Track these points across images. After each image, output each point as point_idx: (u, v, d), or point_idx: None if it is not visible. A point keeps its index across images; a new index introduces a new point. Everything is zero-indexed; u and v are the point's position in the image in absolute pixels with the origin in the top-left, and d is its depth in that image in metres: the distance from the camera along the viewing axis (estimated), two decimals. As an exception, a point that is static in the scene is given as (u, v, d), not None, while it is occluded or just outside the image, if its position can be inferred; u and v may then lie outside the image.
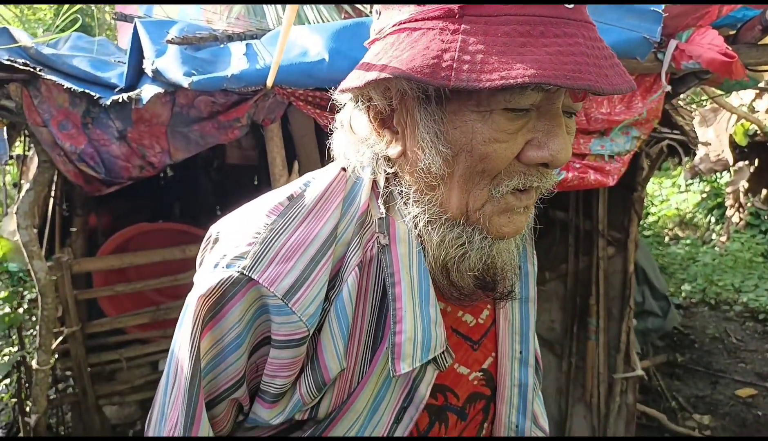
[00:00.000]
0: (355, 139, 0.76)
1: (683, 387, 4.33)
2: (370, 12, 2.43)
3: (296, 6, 0.75)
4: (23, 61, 1.84)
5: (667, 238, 8.48)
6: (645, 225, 8.48)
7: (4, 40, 1.88)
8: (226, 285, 0.67)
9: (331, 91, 0.77)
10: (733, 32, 2.04)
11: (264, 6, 5.02)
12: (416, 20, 0.63)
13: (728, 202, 6.18)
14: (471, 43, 0.59)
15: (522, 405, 0.90)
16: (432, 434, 0.80)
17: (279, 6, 4.73)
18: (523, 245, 0.91)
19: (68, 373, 3.22)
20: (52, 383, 3.45)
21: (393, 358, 0.69)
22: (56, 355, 2.99)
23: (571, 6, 0.61)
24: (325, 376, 0.70)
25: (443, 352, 0.74)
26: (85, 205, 3.12)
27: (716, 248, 7.41)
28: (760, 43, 1.97)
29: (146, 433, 0.77)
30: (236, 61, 1.67)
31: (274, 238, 0.68)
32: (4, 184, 3.31)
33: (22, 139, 2.86)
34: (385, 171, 0.74)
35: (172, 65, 1.63)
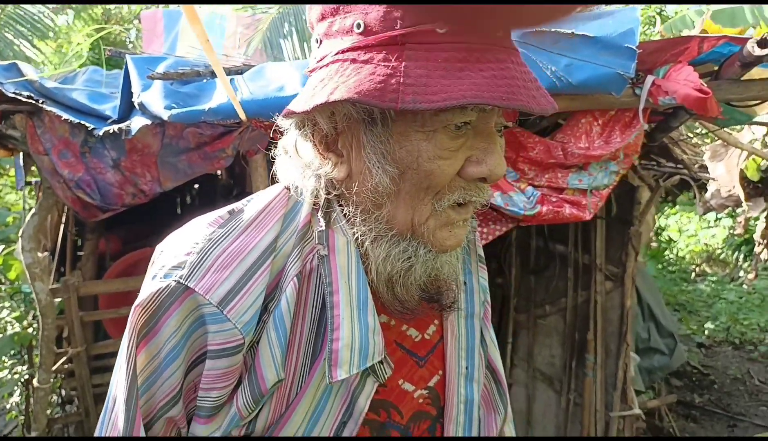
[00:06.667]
0: (300, 163, 0.78)
1: (699, 429, 4.17)
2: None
3: (191, 6, 0.79)
4: (27, 93, 1.97)
5: (693, 275, 8.25)
6: (671, 260, 8.28)
7: (13, 75, 2.02)
8: (163, 295, 0.69)
9: (276, 116, 0.79)
10: (716, 68, 2.04)
11: (281, 40, 5.20)
12: (359, 48, 0.67)
13: (756, 239, 6.00)
14: (414, 68, 0.63)
15: (468, 422, 0.89)
16: None
17: (296, 39, 4.90)
18: (468, 262, 0.93)
19: (73, 392, 3.31)
20: (60, 403, 3.55)
21: (330, 365, 0.71)
22: (62, 376, 3.09)
23: (501, 34, 0.66)
24: (262, 387, 0.71)
25: (382, 363, 0.76)
26: (94, 230, 3.25)
27: (744, 286, 7.17)
28: (743, 79, 1.97)
29: None
30: (217, 95, 1.76)
31: (212, 248, 0.71)
32: (24, 208, 3.48)
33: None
34: (328, 192, 0.76)
35: (155, 99, 1.73)
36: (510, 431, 1.08)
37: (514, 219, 1.99)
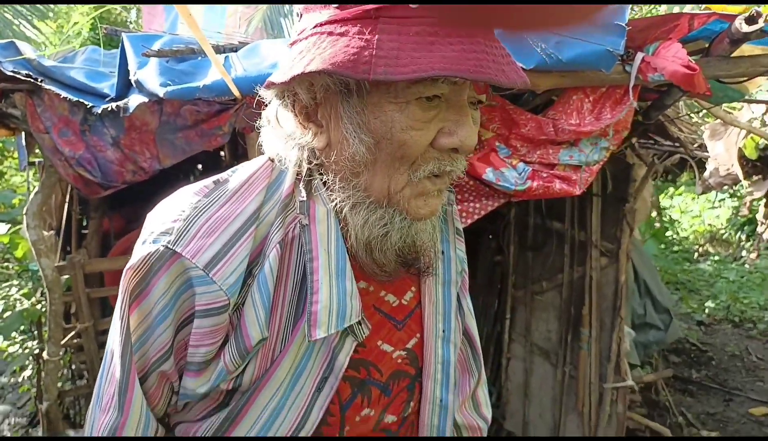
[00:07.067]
0: (282, 133, 0.82)
1: (695, 403, 4.23)
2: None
3: (185, 6, 0.83)
4: (26, 72, 2.01)
5: (696, 255, 8.27)
6: (674, 240, 8.29)
7: (11, 53, 2.06)
8: (152, 258, 0.73)
9: (258, 88, 0.82)
10: (707, 45, 2.05)
11: (281, 19, 5.19)
12: (335, 21, 0.70)
13: (759, 219, 6.00)
14: (386, 41, 0.66)
15: (445, 380, 0.95)
16: (354, 406, 0.84)
17: (296, 18, 4.91)
18: (446, 232, 0.98)
19: (83, 365, 3.40)
20: (71, 377, 3.65)
21: (309, 325, 0.75)
22: (72, 350, 3.18)
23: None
24: (247, 344, 0.76)
25: (360, 325, 0.80)
26: (98, 209, 3.31)
27: (746, 266, 7.18)
28: (732, 56, 1.98)
29: (88, 413, 0.83)
30: (212, 73, 1.79)
31: (198, 216, 0.75)
32: (29, 189, 3.54)
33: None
34: (309, 161, 0.80)
35: (151, 76, 1.76)
36: (483, 394, 1.14)
37: (506, 194, 2.03)
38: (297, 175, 0.81)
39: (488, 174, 1.96)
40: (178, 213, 0.76)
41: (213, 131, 2.02)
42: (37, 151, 3.22)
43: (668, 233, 7.81)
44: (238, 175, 0.82)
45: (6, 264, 3.87)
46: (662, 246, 7.02)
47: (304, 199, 0.79)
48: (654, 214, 6.54)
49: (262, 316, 0.76)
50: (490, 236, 3.86)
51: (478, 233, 3.87)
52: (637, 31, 1.91)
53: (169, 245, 0.73)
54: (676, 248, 8.06)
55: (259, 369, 0.79)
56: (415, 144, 0.72)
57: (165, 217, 0.77)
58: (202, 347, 0.76)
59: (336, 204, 0.79)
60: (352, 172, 0.77)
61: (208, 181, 0.81)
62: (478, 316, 1.82)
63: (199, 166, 4.82)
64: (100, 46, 2.68)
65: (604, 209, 2.95)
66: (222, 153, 4.17)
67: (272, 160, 0.83)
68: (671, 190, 8.49)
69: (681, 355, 5.02)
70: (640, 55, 1.90)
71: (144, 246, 0.75)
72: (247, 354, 0.76)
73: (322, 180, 0.80)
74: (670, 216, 8.57)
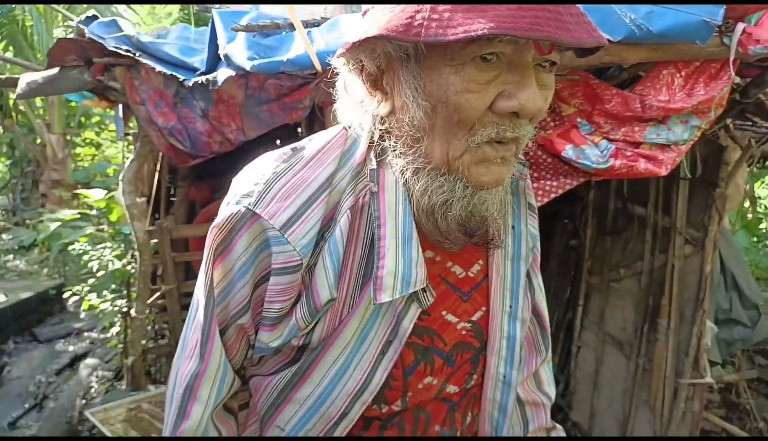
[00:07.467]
0: (353, 101, 0.84)
1: (779, 409, 3.96)
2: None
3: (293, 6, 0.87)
4: (126, 48, 2.15)
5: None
6: (768, 234, 7.70)
7: (113, 30, 2.21)
8: (235, 218, 0.78)
9: (329, 58, 0.86)
10: (820, 15, 1.88)
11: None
12: None
13: None
14: (440, 4, 0.68)
15: (510, 357, 0.95)
16: (416, 372, 0.87)
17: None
18: (518, 206, 0.97)
19: (165, 325, 3.65)
20: (154, 337, 3.92)
21: (375, 289, 0.78)
22: (156, 310, 3.42)
23: None
24: (317, 303, 0.79)
25: (425, 291, 0.82)
26: (186, 178, 3.51)
27: None
28: None
29: (174, 362, 0.90)
30: (295, 47, 1.85)
31: (276, 180, 0.79)
32: (123, 159, 3.79)
33: (136, 117, 3.27)
34: (378, 129, 0.83)
35: (238, 50, 1.84)
36: (546, 372, 1.12)
37: (586, 173, 1.97)
38: (369, 143, 0.83)
39: (568, 151, 1.90)
40: (259, 177, 0.81)
41: (294, 104, 2.09)
42: (132, 123, 3.45)
43: (762, 226, 7.26)
44: (314, 142, 0.85)
45: (101, 227, 4.18)
46: (754, 239, 6.55)
47: (375, 167, 0.81)
48: (747, 203, 6.10)
49: (331, 277, 0.79)
50: (566, 220, 3.75)
51: (554, 216, 3.78)
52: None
53: (249, 207, 0.78)
54: (769, 243, 7.49)
55: (327, 328, 0.82)
56: (471, 107, 0.71)
57: (247, 181, 0.82)
58: (276, 303, 0.80)
59: (401, 170, 0.80)
60: (413, 137, 0.78)
61: (287, 149, 0.85)
62: (549, 302, 1.77)
63: (278, 141, 5.00)
64: (190, 24, 2.81)
65: (692, 194, 2.79)
66: (299, 129, 4.30)
67: (346, 129, 0.86)
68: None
69: (769, 357, 4.69)
70: (741, 26, 1.78)
71: (228, 207, 0.81)
72: (317, 313, 0.80)
73: (388, 145, 0.82)
74: (765, 206, 7.96)
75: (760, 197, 7.60)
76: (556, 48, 0.72)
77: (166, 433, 0.88)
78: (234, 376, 0.88)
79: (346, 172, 0.82)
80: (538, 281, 1.06)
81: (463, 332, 0.91)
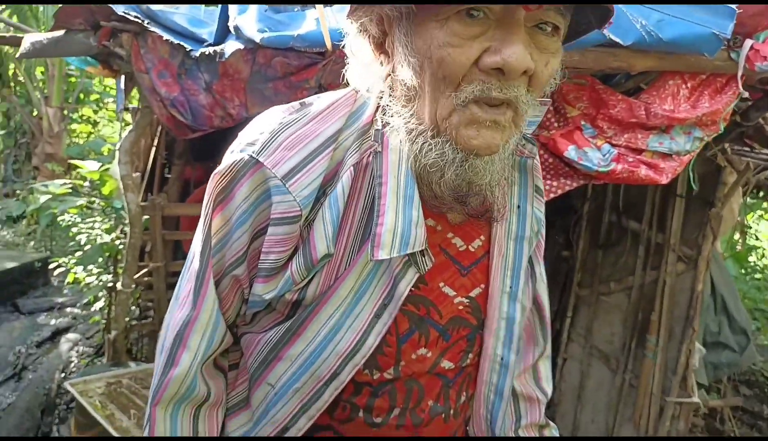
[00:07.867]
0: (361, 63, 0.85)
1: (764, 441, 3.96)
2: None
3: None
4: (134, 14, 2.13)
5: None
6: (756, 266, 7.76)
7: (123, -4, 2.19)
8: (238, 165, 0.78)
9: (342, 31, 0.87)
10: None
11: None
12: None
13: None
14: None
15: (508, 338, 0.92)
16: (411, 341, 0.85)
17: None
18: (525, 186, 0.95)
19: (149, 303, 3.60)
20: (138, 315, 3.87)
21: (373, 246, 0.78)
22: (142, 288, 3.38)
23: None
24: (313, 257, 0.79)
25: (423, 255, 0.81)
26: (181, 156, 3.48)
27: None
28: None
29: (166, 314, 0.88)
30: (306, 24, 1.84)
31: (281, 130, 0.79)
32: (122, 130, 3.76)
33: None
34: (382, 90, 0.83)
35: (249, 22, 1.83)
36: (545, 368, 1.11)
37: (587, 175, 1.96)
38: (377, 106, 0.83)
39: (570, 152, 1.90)
40: (265, 127, 0.81)
41: (300, 84, 2.07)
42: (131, 98, 3.42)
43: (751, 258, 7.31)
44: (323, 99, 0.85)
45: (93, 199, 4.14)
46: (743, 271, 6.59)
47: (380, 128, 0.82)
48: (737, 235, 6.14)
49: (329, 232, 0.78)
50: (560, 231, 3.75)
51: (547, 226, 3.78)
52: (748, 16, 1.80)
53: (253, 155, 0.77)
54: (758, 276, 7.54)
55: (322, 285, 0.81)
56: (453, 62, 0.70)
57: (253, 130, 0.81)
58: (272, 254, 0.79)
59: (397, 129, 0.80)
60: (407, 97, 0.78)
61: (296, 103, 0.85)
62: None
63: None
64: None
65: (687, 211, 2.80)
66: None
67: (356, 92, 0.86)
68: (760, 212, 7.93)
69: (753, 388, 4.70)
70: (749, 42, 1.79)
71: (232, 154, 0.80)
72: (313, 267, 0.79)
73: (388, 105, 0.82)
74: (757, 237, 8.02)
75: (750, 227, 7.65)
76: (554, 8, 0.71)
77: (155, 381, 0.86)
78: (226, 329, 0.86)
79: (353, 131, 0.82)
80: (541, 270, 1.04)
81: (460, 307, 0.89)
